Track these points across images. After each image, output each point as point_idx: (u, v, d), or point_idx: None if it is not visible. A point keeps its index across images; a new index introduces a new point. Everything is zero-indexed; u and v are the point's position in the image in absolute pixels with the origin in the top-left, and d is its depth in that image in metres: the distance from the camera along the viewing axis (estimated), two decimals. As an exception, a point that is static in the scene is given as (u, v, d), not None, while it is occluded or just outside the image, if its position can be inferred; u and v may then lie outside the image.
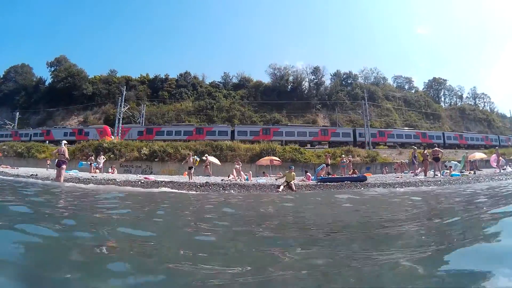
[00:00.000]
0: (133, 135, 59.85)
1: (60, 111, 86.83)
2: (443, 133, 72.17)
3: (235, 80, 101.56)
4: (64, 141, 17.97)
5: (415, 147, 31.22)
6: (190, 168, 23.16)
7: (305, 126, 68.12)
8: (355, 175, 25.51)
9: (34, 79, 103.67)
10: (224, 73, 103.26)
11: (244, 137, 57.52)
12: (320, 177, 23.12)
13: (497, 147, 38.22)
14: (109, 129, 59.96)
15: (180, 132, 60.58)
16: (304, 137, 60.16)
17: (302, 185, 20.35)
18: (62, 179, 16.50)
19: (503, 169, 32.67)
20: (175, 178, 24.31)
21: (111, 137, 54.07)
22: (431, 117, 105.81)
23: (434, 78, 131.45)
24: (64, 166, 16.37)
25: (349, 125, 77.12)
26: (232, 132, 59.51)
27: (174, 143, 42.18)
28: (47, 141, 54.44)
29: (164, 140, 48.60)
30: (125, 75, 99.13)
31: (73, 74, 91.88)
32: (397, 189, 17.69)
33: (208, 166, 28.83)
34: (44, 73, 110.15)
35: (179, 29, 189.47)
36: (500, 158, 34.32)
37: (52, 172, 22.04)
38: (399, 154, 44.46)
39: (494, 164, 32.06)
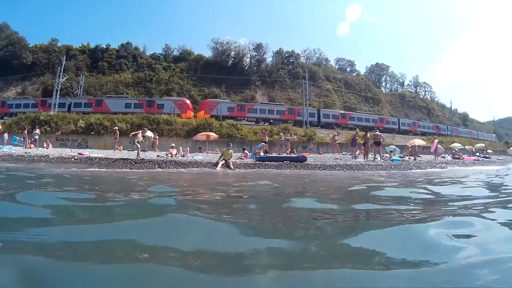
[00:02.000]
0: (222, 111, 58.30)
1: None
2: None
3: (176, 53, 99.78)
4: None
5: (358, 130, 32.10)
6: (139, 143, 21.61)
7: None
8: (293, 155, 25.63)
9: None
10: (166, 44, 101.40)
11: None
12: (258, 156, 22.92)
13: (435, 136, 40.06)
14: (189, 103, 58.61)
15: (273, 112, 61.67)
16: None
17: (240, 163, 20.10)
18: None
19: (442, 157, 34.62)
20: (110, 153, 23.67)
21: (192, 113, 54.85)
22: (370, 100, 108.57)
23: (377, 63, 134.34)
24: None
25: (288, 103, 77.25)
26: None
27: (111, 116, 41.21)
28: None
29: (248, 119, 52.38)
30: (66, 44, 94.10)
31: (14, 42, 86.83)
32: (339, 171, 18.34)
33: (156, 141, 29.10)
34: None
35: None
36: (438, 146, 36.35)
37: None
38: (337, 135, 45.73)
39: (439, 152, 33.95)
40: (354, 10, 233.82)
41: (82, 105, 55.87)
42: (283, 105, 70.41)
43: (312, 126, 58.07)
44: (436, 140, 33.31)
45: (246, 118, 59.74)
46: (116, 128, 30.93)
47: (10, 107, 58.31)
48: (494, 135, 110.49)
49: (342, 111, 72.26)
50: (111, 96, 63.57)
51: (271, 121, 59.34)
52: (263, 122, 58.70)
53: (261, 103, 70.27)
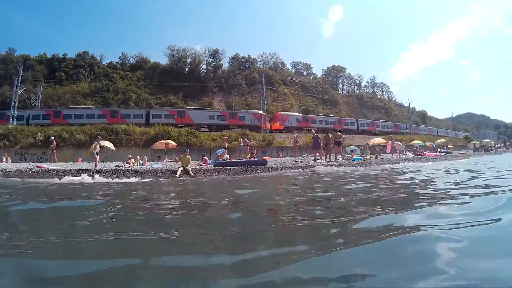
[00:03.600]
0: (292, 123, 66.49)
1: None
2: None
3: (132, 61, 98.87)
4: None
5: (313, 131, 32.88)
6: (97, 154, 20.93)
7: (328, 115, 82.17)
8: (253, 159, 25.62)
9: None
10: (122, 53, 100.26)
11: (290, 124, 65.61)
12: (218, 161, 22.74)
13: (391, 135, 41.50)
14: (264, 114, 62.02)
15: (328, 122, 72.18)
16: (328, 125, 68.55)
17: (199, 169, 20.03)
18: None
19: (403, 154, 35.94)
20: (68, 165, 23.02)
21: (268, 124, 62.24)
22: (328, 103, 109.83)
23: (333, 66, 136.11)
24: None
25: (245, 108, 77.22)
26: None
27: (70, 128, 40.86)
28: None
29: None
30: (24, 54, 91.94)
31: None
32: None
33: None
34: None
35: (79, 4, 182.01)
36: (397, 144, 37.67)
37: None
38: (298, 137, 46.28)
39: (389, 151, 35.21)
40: (314, 13, 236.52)
41: (131, 116, 56.99)
42: (333, 116, 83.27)
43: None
44: (390, 142, 34.58)
45: (310, 128, 61.15)
46: (52, 138, 30.56)
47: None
48: (453, 131, 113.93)
49: (306, 115, 74.92)
50: (193, 109, 66.74)
51: (327, 130, 60.79)
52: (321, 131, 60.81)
53: (318, 114, 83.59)
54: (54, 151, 29.17)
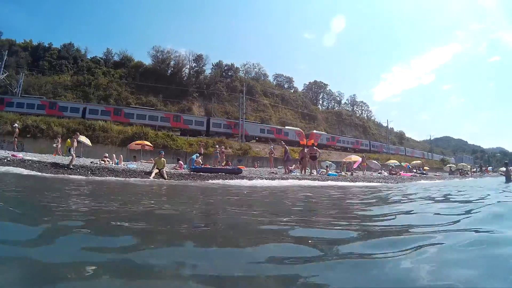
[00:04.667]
0: (323, 140, 75.37)
1: None
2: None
3: (116, 58, 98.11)
4: None
5: (284, 143, 33.46)
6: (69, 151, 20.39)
7: (351, 137, 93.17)
8: (228, 167, 25.76)
9: None
10: (107, 49, 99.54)
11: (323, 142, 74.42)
12: (193, 167, 22.85)
13: (363, 154, 42.51)
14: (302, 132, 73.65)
15: (348, 142, 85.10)
16: (347, 144, 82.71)
17: (174, 173, 20.37)
18: None
19: (378, 173, 37.02)
20: (44, 157, 22.74)
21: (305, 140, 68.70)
22: (307, 117, 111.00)
23: (315, 81, 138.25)
24: None
25: (223, 116, 79.17)
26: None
27: (48, 119, 40.89)
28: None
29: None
30: (9, 38, 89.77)
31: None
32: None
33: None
34: None
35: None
36: (372, 162, 38.90)
37: None
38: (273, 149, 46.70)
39: (356, 169, 36.21)
40: (297, 27, 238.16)
41: (219, 126, 63.08)
42: (352, 137, 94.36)
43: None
44: (360, 158, 36.36)
45: (335, 147, 76.02)
46: (16, 125, 30.75)
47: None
48: (430, 153, 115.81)
49: (277, 126, 76.34)
50: (249, 121, 70.03)
51: (348, 149, 76.88)
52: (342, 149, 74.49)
53: (344, 135, 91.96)
54: (16, 139, 29.47)
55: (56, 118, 43.53)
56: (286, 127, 77.55)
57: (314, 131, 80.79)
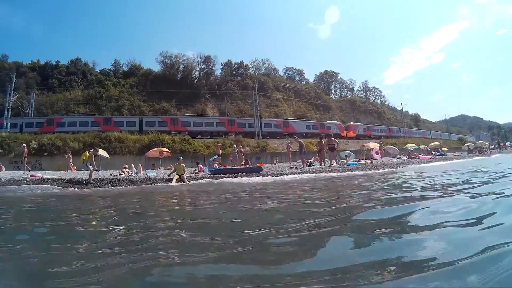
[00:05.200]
0: (360, 131, 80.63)
1: None
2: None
3: (125, 68, 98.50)
4: None
5: (297, 137, 32.75)
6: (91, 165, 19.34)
7: (380, 125, 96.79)
8: (248, 166, 25.78)
9: None
10: (115, 60, 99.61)
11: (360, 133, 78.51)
12: (213, 169, 22.74)
13: (381, 141, 41.76)
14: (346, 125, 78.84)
15: (379, 130, 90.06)
16: (380, 132, 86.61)
17: (194, 177, 20.20)
18: None
19: (398, 158, 36.24)
20: (63, 174, 22.78)
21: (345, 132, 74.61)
22: (321, 108, 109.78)
23: (326, 71, 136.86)
24: None
25: (238, 115, 79.06)
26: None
27: (63, 135, 40.62)
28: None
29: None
30: (16, 60, 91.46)
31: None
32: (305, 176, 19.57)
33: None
34: None
35: (72, 11, 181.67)
36: (391, 147, 38.17)
37: None
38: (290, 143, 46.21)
39: (377, 156, 35.34)
40: (304, 18, 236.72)
41: (269, 126, 66.22)
42: (384, 126, 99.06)
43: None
44: (377, 145, 35.74)
45: (370, 136, 78.52)
46: (24, 145, 30.13)
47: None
48: (447, 133, 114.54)
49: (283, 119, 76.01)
50: (295, 119, 77.40)
51: (382, 137, 78.91)
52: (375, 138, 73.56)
53: (375, 124, 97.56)
54: (26, 158, 28.82)
55: (111, 132, 43.96)
56: (328, 121, 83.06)
57: (352, 122, 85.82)
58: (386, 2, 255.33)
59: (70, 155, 30.09)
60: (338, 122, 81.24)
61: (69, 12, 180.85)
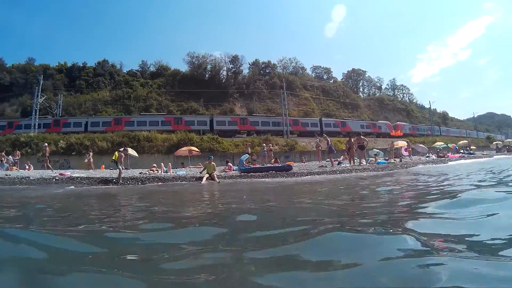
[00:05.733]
0: (406, 130, 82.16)
1: None
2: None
3: (152, 69, 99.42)
4: None
5: (326, 135, 31.97)
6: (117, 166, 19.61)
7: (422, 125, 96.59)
8: (277, 164, 25.43)
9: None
10: (142, 61, 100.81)
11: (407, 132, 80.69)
12: (243, 167, 22.50)
13: (408, 139, 41.09)
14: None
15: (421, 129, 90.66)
16: (421, 131, 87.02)
17: (224, 176, 20.00)
18: None
19: (426, 156, 35.57)
20: (91, 172, 23.28)
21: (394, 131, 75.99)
22: (349, 106, 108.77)
23: (353, 69, 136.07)
24: None
25: (267, 113, 77.96)
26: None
27: (91, 135, 40.76)
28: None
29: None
30: (43, 63, 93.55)
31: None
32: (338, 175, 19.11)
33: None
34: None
35: (98, 14, 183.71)
36: (419, 146, 37.40)
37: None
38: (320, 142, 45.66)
39: (405, 153, 34.51)
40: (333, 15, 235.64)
41: (329, 125, 68.27)
42: (425, 125, 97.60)
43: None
44: (405, 143, 35.58)
45: (414, 135, 78.61)
46: (46, 145, 30.00)
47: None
48: (475, 131, 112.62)
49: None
50: (352, 119, 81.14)
51: (424, 135, 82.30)
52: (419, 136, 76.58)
53: (418, 124, 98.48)
54: (47, 158, 28.70)
55: (182, 132, 45.15)
56: (379, 121, 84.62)
57: (399, 122, 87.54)
58: (407, 2, 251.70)
59: (91, 154, 30.50)
60: (388, 122, 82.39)
61: (95, 15, 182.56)
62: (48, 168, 27.27)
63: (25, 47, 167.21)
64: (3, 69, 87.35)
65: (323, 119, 70.63)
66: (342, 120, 74.93)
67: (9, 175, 20.11)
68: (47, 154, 28.54)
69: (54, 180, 18.20)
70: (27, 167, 28.17)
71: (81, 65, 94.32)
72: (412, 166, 24.22)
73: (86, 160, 29.45)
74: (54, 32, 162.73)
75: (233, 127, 57.26)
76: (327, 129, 61.95)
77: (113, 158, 19.70)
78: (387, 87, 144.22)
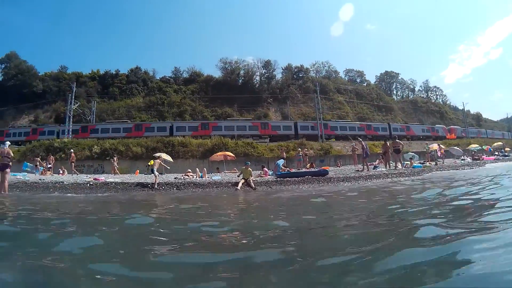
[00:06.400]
0: (458, 134, 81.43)
1: (10, 110, 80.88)
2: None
3: (185, 75, 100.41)
4: (8, 142, 16.82)
5: (360, 139, 31.22)
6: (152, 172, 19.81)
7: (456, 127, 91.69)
8: (313, 169, 25.06)
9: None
10: (175, 67, 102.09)
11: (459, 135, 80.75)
12: (279, 172, 21.88)
13: (438, 142, 40.21)
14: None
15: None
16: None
17: (260, 181, 19.44)
18: (6, 185, 14.77)
19: (462, 159, 34.81)
20: (126, 177, 23.29)
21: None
22: (383, 109, 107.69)
23: (386, 72, 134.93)
24: (8, 170, 14.95)
25: (300, 118, 77.97)
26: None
27: (126, 141, 40.97)
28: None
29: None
30: (76, 71, 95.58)
31: (23, 71, 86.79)
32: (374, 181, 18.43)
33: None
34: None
35: (128, 23, 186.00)
36: (454, 149, 36.31)
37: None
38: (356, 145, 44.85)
39: (440, 155, 33.55)
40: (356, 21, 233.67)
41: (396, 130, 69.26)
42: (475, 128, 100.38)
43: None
44: (439, 147, 35.16)
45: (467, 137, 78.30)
46: (72, 151, 30.83)
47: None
48: (508, 132, 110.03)
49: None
50: (414, 124, 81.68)
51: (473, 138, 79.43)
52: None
53: (469, 127, 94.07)
54: (73, 163, 29.27)
55: (217, 137, 45.32)
56: (436, 125, 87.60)
57: (452, 126, 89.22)
58: (436, 2, 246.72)
59: (116, 159, 30.99)
60: (443, 126, 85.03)
61: (128, 25, 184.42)
62: (74, 173, 28.07)
63: (57, 56, 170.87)
64: (36, 77, 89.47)
65: (391, 123, 75.14)
66: (406, 124, 78.15)
67: (43, 179, 20.14)
68: (73, 160, 29.27)
69: (88, 185, 17.88)
70: (61, 172, 28.47)
71: (114, 72, 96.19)
72: (451, 169, 23.98)
73: (114, 164, 30.01)
74: (86, 42, 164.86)
75: (315, 131, 58.20)
76: (395, 133, 60.38)
77: (149, 164, 20.88)
78: (420, 89, 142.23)
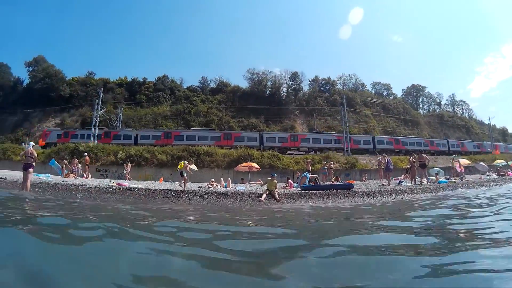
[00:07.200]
0: (487, 148, 79.55)
1: (37, 112, 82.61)
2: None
3: (212, 85, 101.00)
4: (32, 143, 16.94)
5: (384, 154, 30.64)
6: (182, 175, 21.20)
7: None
8: (337, 182, 24.92)
9: (12, 79, 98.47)
10: (202, 77, 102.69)
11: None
12: (303, 185, 21.65)
13: (454, 156, 39.77)
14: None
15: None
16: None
17: (284, 193, 19.07)
18: (28, 185, 14.84)
19: (487, 175, 33.78)
20: (150, 184, 23.55)
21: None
22: (409, 123, 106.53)
23: (413, 85, 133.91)
24: (31, 170, 14.99)
25: (327, 130, 77.63)
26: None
27: (151, 148, 41.42)
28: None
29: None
30: (103, 77, 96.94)
31: (51, 75, 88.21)
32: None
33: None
34: (22, 73, 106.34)
35: (159, 32, 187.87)
36: (479, 164, 35.45)
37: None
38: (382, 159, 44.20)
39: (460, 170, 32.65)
40: (383, 33, 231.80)
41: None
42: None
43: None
44: (458, 160, 33.74)
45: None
46: (86, 154, 31.30)
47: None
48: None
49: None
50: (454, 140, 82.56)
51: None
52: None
53: (499, 142, 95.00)
54: (87, 167, 29.84)
55: (243, 148, 44.80)
56: (484, 142, 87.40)
57: (496, 143, 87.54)
58: (462, 14, 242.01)
59: (129, 165, 32.10)
60: (489, 142, 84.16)
61: (156, 34, 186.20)
62: (85, 176, 28.37)
63: (85, 62, 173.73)
64: (63, 81, 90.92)
65: (449, 139, 78.30)
66: (461, 141, 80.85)
67: (66, 181, 20.17)
68: (87, 163, 30.00)
69: (111, 189, 17.95)
70: (84, 175, 28.80)
71: (141, 80, 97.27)
72: (476, 185, 23.08)
73: (125, 171, 30.97)
74: (114, 49, 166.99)
75: (390, 146, 62.03)
76: (452, 149, 69.53)
77: (179, 167, 21.44)
78: (447, 103, 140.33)
